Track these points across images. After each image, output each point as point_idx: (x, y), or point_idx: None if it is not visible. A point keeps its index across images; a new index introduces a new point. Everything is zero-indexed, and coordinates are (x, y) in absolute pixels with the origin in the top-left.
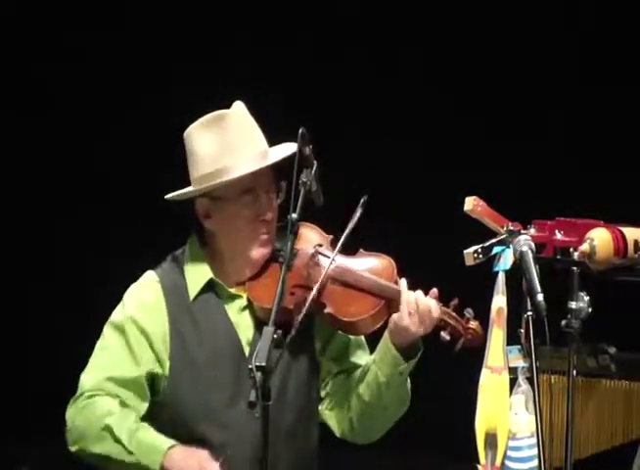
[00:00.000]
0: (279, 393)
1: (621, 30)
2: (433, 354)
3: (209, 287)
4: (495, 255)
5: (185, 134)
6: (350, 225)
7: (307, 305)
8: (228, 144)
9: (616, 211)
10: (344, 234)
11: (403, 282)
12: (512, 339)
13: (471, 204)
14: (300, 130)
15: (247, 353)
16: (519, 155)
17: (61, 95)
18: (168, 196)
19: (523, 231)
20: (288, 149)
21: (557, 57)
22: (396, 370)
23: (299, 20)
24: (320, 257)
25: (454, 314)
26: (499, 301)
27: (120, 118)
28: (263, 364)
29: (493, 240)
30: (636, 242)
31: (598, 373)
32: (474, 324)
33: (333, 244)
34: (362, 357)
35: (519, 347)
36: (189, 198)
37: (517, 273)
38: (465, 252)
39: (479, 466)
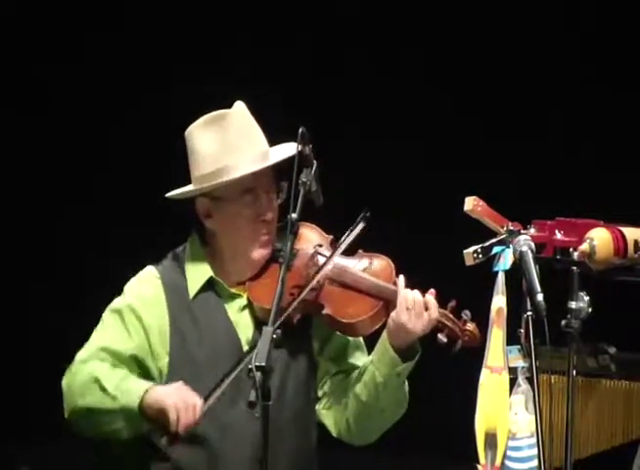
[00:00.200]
0: (278, 392)
1: (622, 30)
2: (432, 355)
3: (209, 286)
4: (495, 255)
5: (186, 133)
6: (350, 237)
7: (299, 299)
8: (229, 143)
9: (616, 212)
10: (343, 241)
11: (401, 279)
12: (512, 339)
13: (471, 204)
14: (300, 130)
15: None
16: (519, 155)
17: (61, 95)
18: (169, 194)
19: (522, 231)
20: (288, 149)
21: (557, 57)
22: (394, 371)
23: (299, 20)
24: (320, 257)
25: (451, 316)
26: (499, 301)
27: (120, 118)
28: (263, 364)
29: (493, 240)
30: (636, 242)
31: (598, 373)
32: (471, 326)
33: (333, 244)
34: (360, 358)
35: (519, 347)
36: (189, 197)
37: (517, 273)
38: (465, 252)
39: (478, 466)
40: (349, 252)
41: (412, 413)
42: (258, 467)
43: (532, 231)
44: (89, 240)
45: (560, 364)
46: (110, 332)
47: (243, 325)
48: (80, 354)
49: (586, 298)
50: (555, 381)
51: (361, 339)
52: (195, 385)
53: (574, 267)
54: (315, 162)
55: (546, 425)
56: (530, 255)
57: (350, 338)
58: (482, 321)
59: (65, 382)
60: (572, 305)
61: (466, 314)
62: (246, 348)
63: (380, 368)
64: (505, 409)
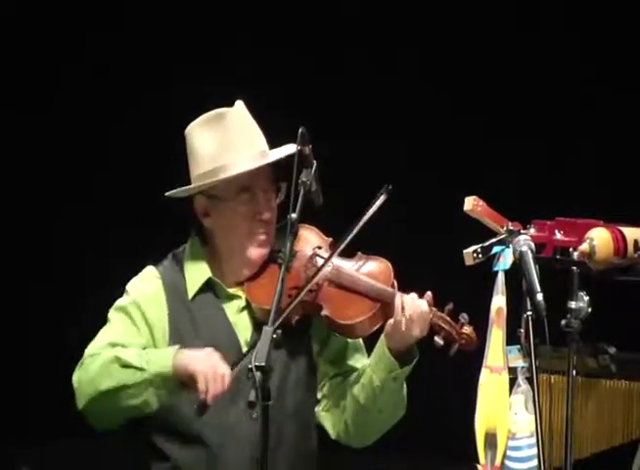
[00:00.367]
0: (278, 392)
1: (622, 30)
2: (431, 355)
3: (208, 287)
4: (495, 254)
5: (186, 132)
6: (371, 210)
7: (297, 300)
8: (227, 142)
9: (616, 212)
10: (365, 214)
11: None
12: (512, 339)
13: (471, 204)
14: (300, 130)
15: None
16: (519, 155)
17: (61, 95)
18: (168, 193)
19: (522, 231)
20: (288, 150)
21: (557, 57)
22: (390, 375)
23: (299, 20)
24: (318, 259)
25: (448, 319)
26: (499, 300)
27: (120, 118)
28: (263, 364)
29: (493, 240)
30: (636, 242)
31: (598, 373)
32: (468, 329)
33: (332, 246)
34: (360, 361)
35: (518, 347)
36: (189, 196)
37: (516, 273)
38: (464, 251)
39: (478, 466)
40: (348, 254)
41: (412, 413)
42: (258, 467)
43: (532, 231)
44: (89, 240)
45: (560, 364)
46: (118, 329)
47: (242, 326)
48: (89, 350)
49: (586, 298)
50: (555, 381)
51: (360, 341)
52: None
53: (574, 267)
54: (315, 162)
55: (546, 425)
56: (530, 255)
57: (349, 340)
58: (482, 321)
59: (76, 376)
60: (572, 304)
61: (463, 317)
62: (245, 349)
63: (377, 372)
64: (505, 409)
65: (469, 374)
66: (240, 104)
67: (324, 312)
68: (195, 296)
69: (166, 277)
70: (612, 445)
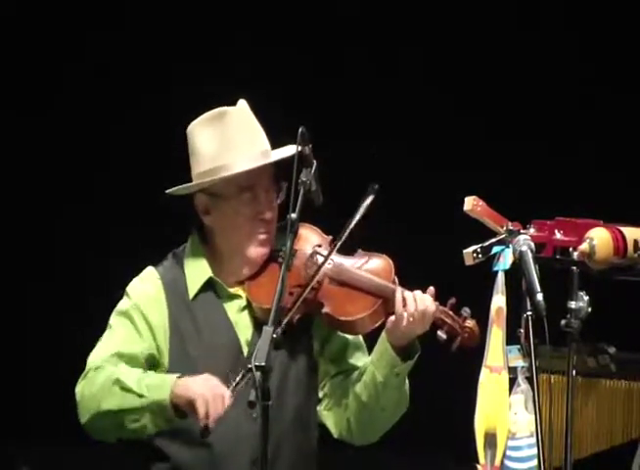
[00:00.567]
0: (278, 392)
1: (622, 30)
2: (431, 354)
3: (209, 286)
4: (495, 254)
5: (187, 130)
6: (361, 210)
7: (301, 299)
8: (228, 141)
9: (616, 212)
10: (355, 215)
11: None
12: (512, 339)
13: (470, 204)
14: (300, 130)
15: (245, 353)
16: (519, 155)
17: (61, 95)
18: (169, 190)
19: (522, 231)
20: (288, 150)
21: (557, 57)
22: (393, 371)
23: (299, 20)
24: (319, 257)
25: (451, 313)
26: (499, 300)
27: (120, 118)
28: (263, 364)
29: (493, 240)
30: (636, 242)
31: (598, 373)
32: (470, 323)
33: (332, 245)
34: (361, 359)
35: (518, 346)
36: (189, 193)
37: (516, 273)
38: (464, 251)
39: (478, 466)
40: (349, 250)
41: (412, 413)
42: (258, 467)
43: (532, 231)
44: (89, 240)
45: (560, 364)
46: (120, 335)
47: (242, 326)
48: (93, 361)
49: (586, 297)
50: (555, 381)
51: (361, 339)
52: None
53: (574, 267)
54: (315, 162)
55: (546, 425)
56: (530, 254)
57: (350, 338)
58: (482, 321)
59: (79, 389)
60: (572, 304)
61: (465, 311)
62: (245, 348)
63: (379, 368)
64: (505, 409)
65: (469, 373)
66: (242, 103)
67: (325, 310)
68: (195, 295)
69: (167, 278)
70: (612, 444)
